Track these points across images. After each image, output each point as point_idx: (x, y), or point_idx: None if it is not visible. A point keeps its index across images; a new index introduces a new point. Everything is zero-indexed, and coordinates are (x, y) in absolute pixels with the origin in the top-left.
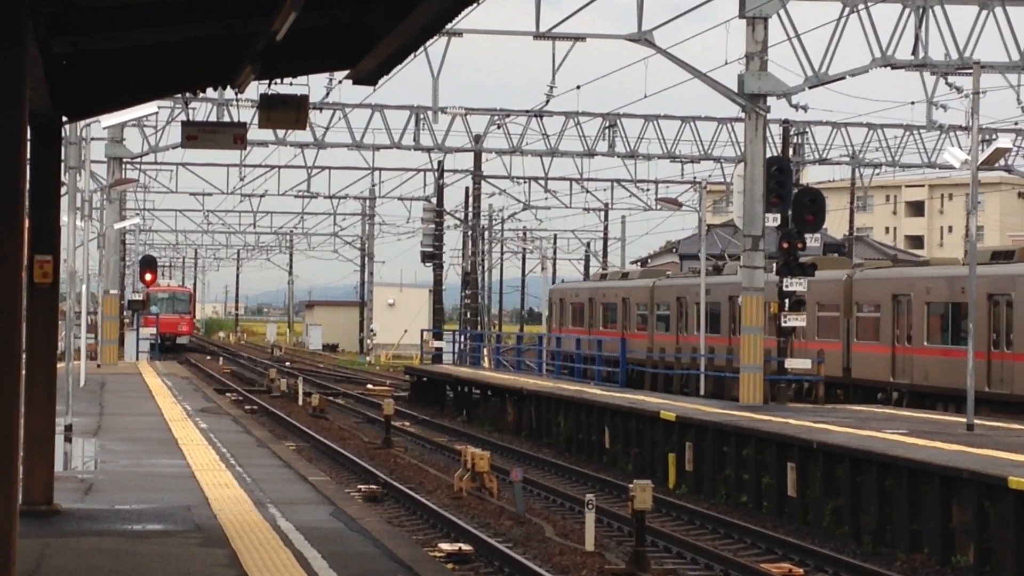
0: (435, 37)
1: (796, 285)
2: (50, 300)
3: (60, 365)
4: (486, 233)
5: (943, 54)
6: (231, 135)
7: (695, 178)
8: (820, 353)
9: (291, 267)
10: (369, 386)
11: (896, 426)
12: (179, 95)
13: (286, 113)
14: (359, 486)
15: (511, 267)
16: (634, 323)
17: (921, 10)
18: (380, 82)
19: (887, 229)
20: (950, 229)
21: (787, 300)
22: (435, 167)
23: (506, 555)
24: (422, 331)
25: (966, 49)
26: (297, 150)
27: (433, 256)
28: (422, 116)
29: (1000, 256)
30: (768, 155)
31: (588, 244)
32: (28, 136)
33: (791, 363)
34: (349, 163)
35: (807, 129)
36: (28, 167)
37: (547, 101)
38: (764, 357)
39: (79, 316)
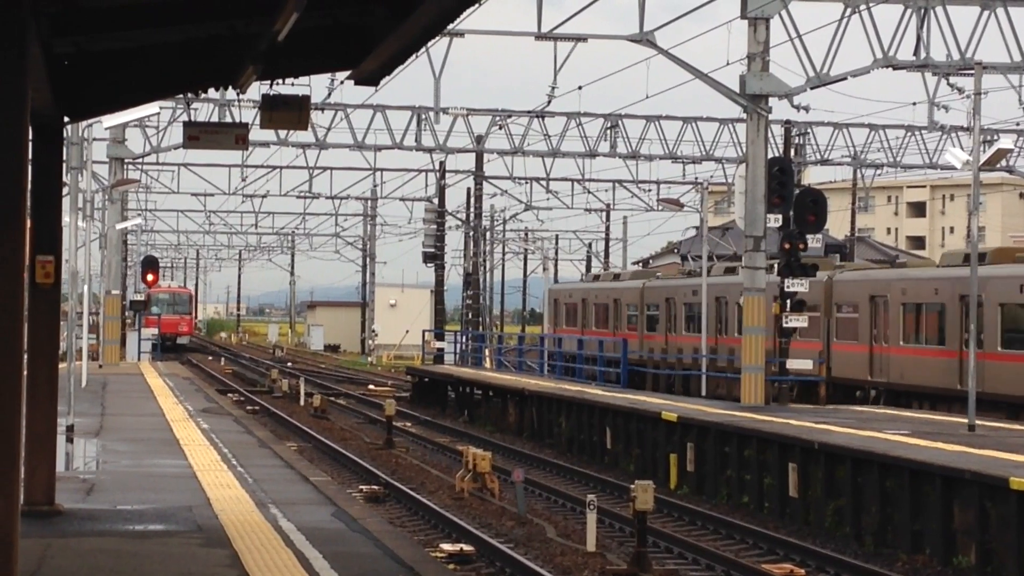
0: (437, 37)
1: (798, 286)
2: (52, 300)
3: (62, 365)
4: (488, 234)
5: (945, 55)
6: (233, 135)
7: (697, 179)
8: (821, 354)
9: (293, 268)
10: (371, 387)
11: (898, 427)
12: (181, 95)
13: (288, 113)
14: (361, 487)
15: (513, 268)
16: (625, 323)
17: (923, 11)
18: (382, 83)
19: (889, 230)
20: (952, 230)
21: (788, 301)
22: (437, 168)
23: (507, 555)
24: (424, 332)
25: (968, 50)
26: (299, 151)
27: (435, 257)
28: (424, 116)
29: None
30: (770, 156)
31: (590, 245)
32: (30, 136)
33: (793, 364)
34: (351, 164)
35: (809, 130)
36: (30, 167)
37: (549, 102)
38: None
39: (81, 316)
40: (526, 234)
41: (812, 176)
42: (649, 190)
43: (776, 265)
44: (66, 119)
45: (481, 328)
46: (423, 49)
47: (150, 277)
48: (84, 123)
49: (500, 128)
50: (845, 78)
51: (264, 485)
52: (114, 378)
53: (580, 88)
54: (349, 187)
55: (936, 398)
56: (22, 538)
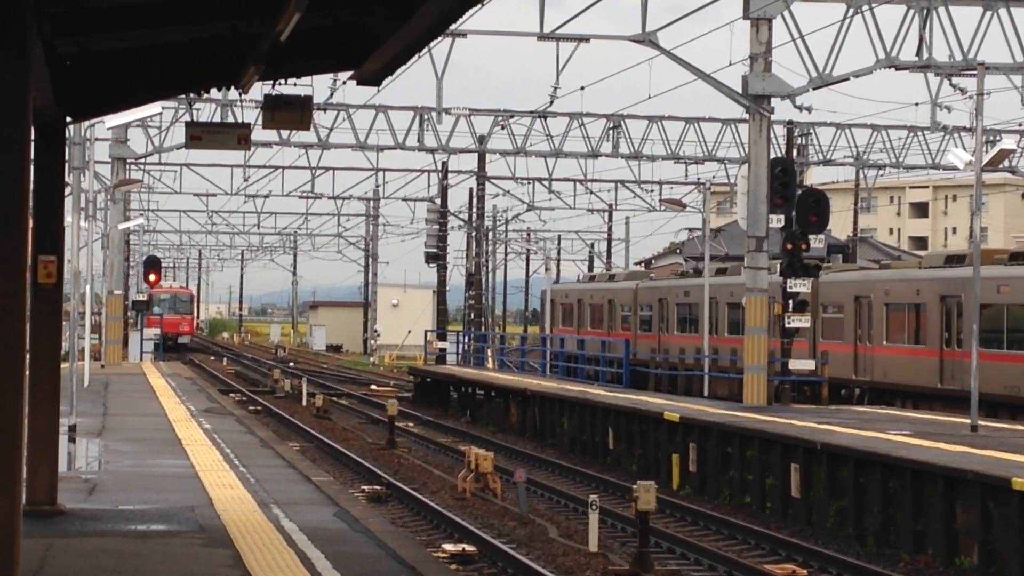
0: (439, 38)
1: (800, 286)
2: (54, 300)
3: (64, 365)
4: (490, 234)
5: (947, 55)
6: (235, 136)
7: (699, 179)
8: (824, 354)
9: (295, 268)
10: (373, 387)
11: (900, 427)
12: (183, 95)
13: (290, 114)
14: (363, 487)
15: (515, 268)
16: (619, 324)
17: (925, 11)
18: (384, 83)
19: (891, 230)
20: (954, 230)
21: (791, 301)
22: (439, 168)
23: (510, 556)
24: (426, 332)
25: (970, 50)
26: (301, 151)
27: (437, 257)
28: (426, 117)
29: (953, 260)
30: (772, 156)
31: (592, 245)
32: (32, 136)
33: (795, 364)
34: (353, 164)
35: (811, 130)
36: (32, 167)
37: (551, 102)
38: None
39: (83, 316)
40: (528, 234)
41: (814, 176)
42: (651, 190)
43: (779, 265)
44: (68, 119)
45: (483, 328)
46: (425, 49)
47: (152, 277)
48: (86, 123)
49: (502, 128)
50: (847, 78)
51: (266, 485)
52: (116, 378)
53: (582, 88)
54: (351, 187)
55: (918, 396)
56: (24, 538)
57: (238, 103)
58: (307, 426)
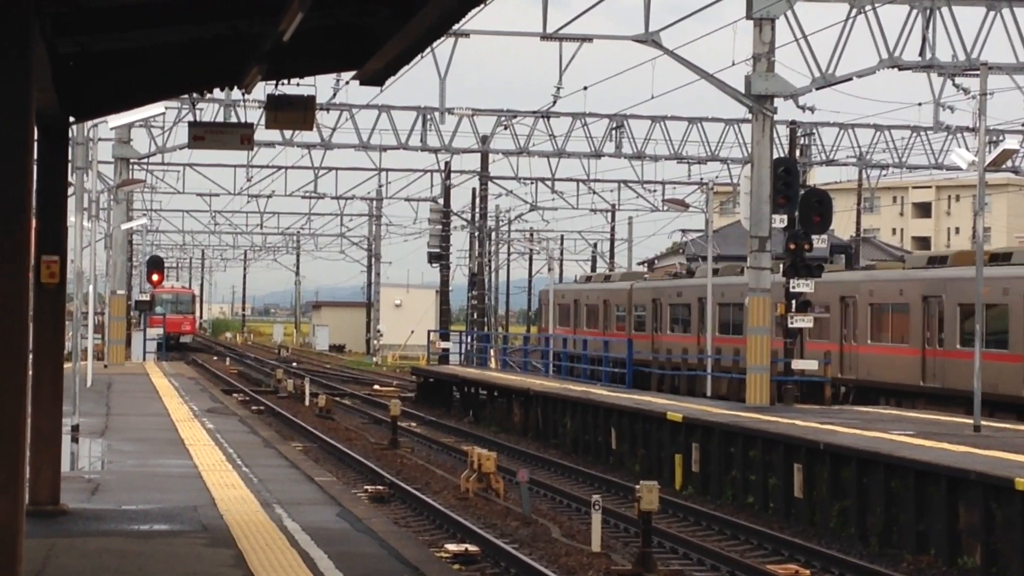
0: (442, 38)
1: (803, 286)
2: (57, 300)
3: (67, 365)
4: (493, 234)
5: (950, 55)
6: (238, 135)
7: (702, 179)
8: (827, 354)
9: (298, 268)
10: (376, 387)
11: (903, 427)
12: (186, 95)
13: (293, 114)
14: (365, 487)
15: (518, 268)
16: (614, 324)
17: (928, 11)
18: (387, 83)
19: (894, 230)
20: (957, 230)
21: (794, 301)
22: (442, 168)
23: (512, 556)
24: (429, 332)
25: (973, 50)
26: (304, 151)
27: (440, 257)
28: (429, 117)
29: (935, 261)
30: (775, 156)
31: (595, 245)
32: (35, 136)
33: (798, 364)
34: (356, 164)
35: (814, 130)
36: (35, 167)
37: (554, 102)
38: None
39: (86, 316)
40: (531, 234)
41: (817, 176)
42: (654, 190)
43: (781, 266)
44: (71, 119)
45: (486, 328)
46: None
47: (155, 277)
48: (89, 123)
49: (505, 128)
50: (851, 78)
51: (269, 485)
52: (119, 378)
53: (585, 88)
54: (354, 187)
55: (901, 394)
56: (27, 538)
57: (241, 103)
58: (310, 426)
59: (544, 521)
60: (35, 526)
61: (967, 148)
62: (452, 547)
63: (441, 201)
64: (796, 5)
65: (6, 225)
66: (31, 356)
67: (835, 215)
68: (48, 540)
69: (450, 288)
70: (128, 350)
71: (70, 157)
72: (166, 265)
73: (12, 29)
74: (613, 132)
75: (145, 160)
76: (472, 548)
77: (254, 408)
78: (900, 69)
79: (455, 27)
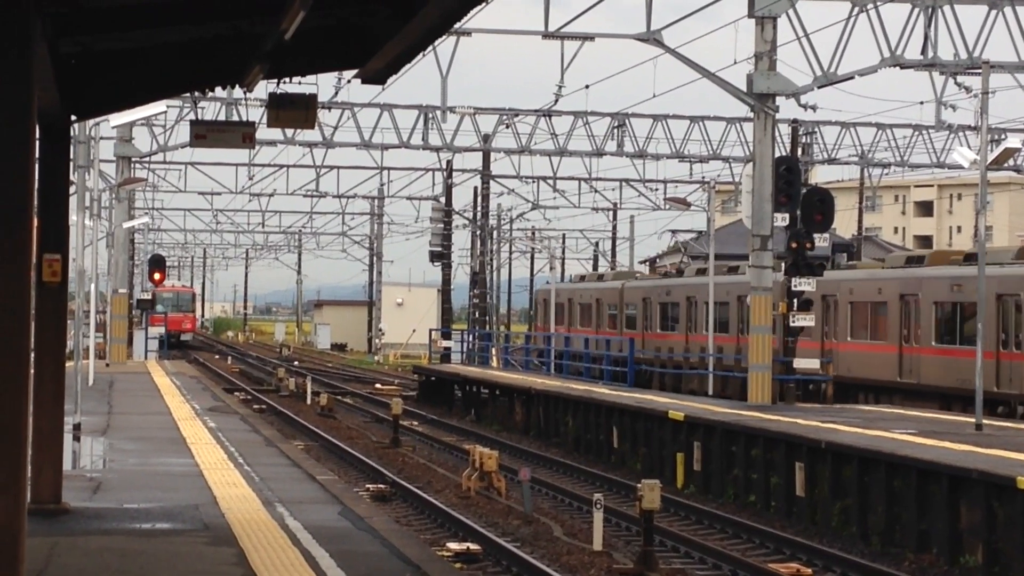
0: (443, 37)
1: (805, 285)
2: (59, 299)
3: (69, 364)
4: (495, 233)
5: (952, 54)
6: (240, 134)
7: (704, 178)
8: (828, 353)
9: (300, 266)
10: (377, 385)
11: (905, 426)
12: (188, 94)
13: (295, 112)
14: (367, 485)
15: (520, 267)
16: (606, 322)
17: (930, 10)
18: (389, 81)
19: (896, 229)
20: (959, 229)
21: (795, 300)
22: (444, 166)
23: (514, 554)
24: (430, 330)
25: (975, 49)
26: (306, 149)
27: (442, 256)
28: (431, 115)
29: (913, 261)
30: (777, 155)
31: (597, 244)
32: (37, 135)
33: (800, 363)
34: (358, 162)
35: (816, 129)
36: (37, 166)
37: (556, 101)
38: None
39: (88, 315)
40: (533, 233)
41: (819, 175)
42: (656, 189)
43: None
44: (73, 118)
45: (488, 327)
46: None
47: (157, 276)
48: (91, 122)
49: (507, 127)
50: (852, 77)
51: (271, 484)
52: (121, 377)
53: (587, 87)
54: (356, 186)
55: (879, 390)
56: (29, 537)
57: (243, 102)
58: (311, 425)
59: (546, 520)
60: (37, 525)
61: (969, 147)
62: (454, 546)
63: (443, 200)
64: (798, 3)
65: (8, 224)
66: (33, 355)
67: (837, 214)
68: (50, 539)
69: (452, 287)
70: (130, 349)
71: (72, 156)
72: (168, 264)
73: (14, 29)
74: (615, 131)
75: (147, 159)
76: (474, 547)
77: (256, 407)
78: (902, 68)
79: (456, 26)
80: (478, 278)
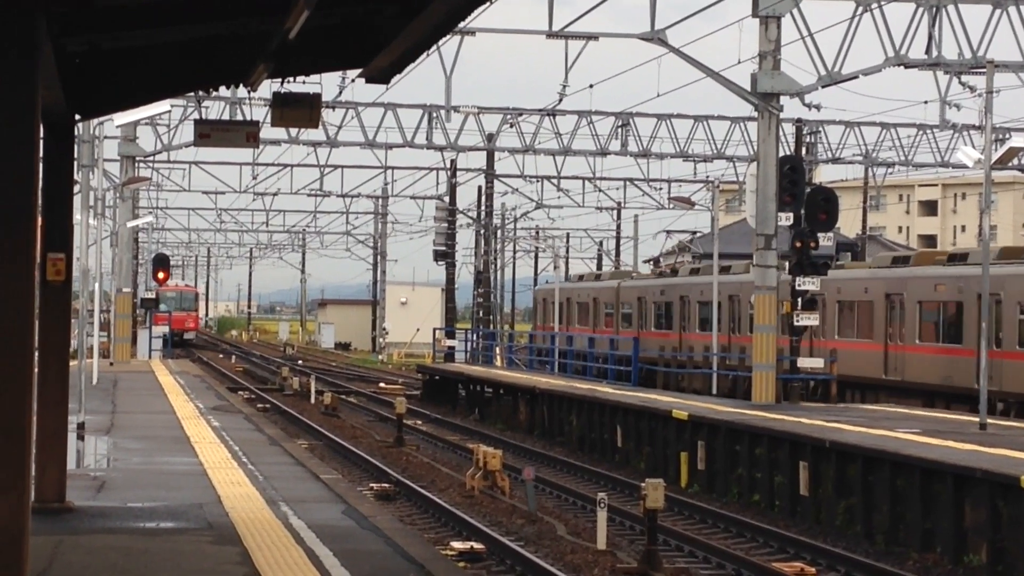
0: (448, 36)
1: (809, 284)
2: (63, 298)
3: (73, 363)
4: (498, 232)
5: (956, 53)
6: (244, 133)
7: (708, 177)
8: (833, 352)
9: (304, 265)
10: (381, 384)
11: (909, 425)
12: (192, 93)
13: (299, 111)
14: (371, 484)
15: (524, 266)
16: (603, 321)
17: (935, 9)
18: (393, 81)
19: (900, 228)
20: (963, 228)
21: (800, 299)
22: (448, 166)
23: (518, 553)
24: (434, 330)
25: (979, 48)
26: (310, 149)
27: (446, 255)
28: (435, 115)
29: (898, 261)
30: (781, 154)
31: (601, 243)
32: (41, 134)
33: (804, 362)
34: (362, 162)
35: (820, 128)
36: (41, 165)
37: (560, 100)
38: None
39: (92, 314)
40: (537, 232)
41: (823, 174)
42: (660, 188)
43: (788, 263)
44: (77, 117)
45: (492, 326)
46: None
47: (161, 275)
48: (95, 121)
49: (511, 126)
50: (856, 76)
51: (274, 483)
52: (125, 376)
53: (591, 86)
54: (360, 185)
55: (866, 387)
56: (33, 535)
57: (247, 101)
58: (315, 424)
59: (550, 519)
60: (41, 524)
61: (973, 146)
62: (458, 545)
63: (447, 199)
64: (802, 3)
65: (12, 222)
66: (37, 354)
67: (841, 213)
68: (54, 537)
69: (456, 286)
70: (134, 348)
71: (76, 155)
72: (172, 263)
73: (18, 27)
74: (619, 130)
75: (151, 158)
76: (478, 546)
77: (260, 406)
78: (906, 67)
79: (461, 25)
80: (482, 277)
